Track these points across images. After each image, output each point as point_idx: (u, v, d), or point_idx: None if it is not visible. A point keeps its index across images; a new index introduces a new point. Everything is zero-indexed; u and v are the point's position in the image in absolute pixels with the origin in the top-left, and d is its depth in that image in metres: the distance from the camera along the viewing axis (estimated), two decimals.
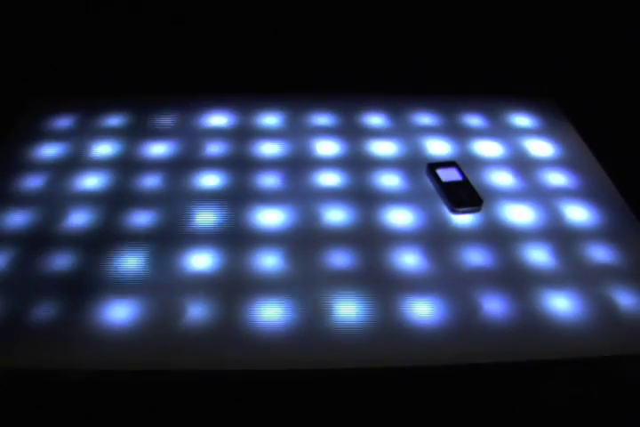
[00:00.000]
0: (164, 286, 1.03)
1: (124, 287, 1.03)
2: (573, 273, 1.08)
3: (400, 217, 1.18)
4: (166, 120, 1.42)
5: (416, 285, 1.05)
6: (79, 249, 1.09)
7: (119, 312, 0.99)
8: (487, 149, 1.37)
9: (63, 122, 1.41)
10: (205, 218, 1.16)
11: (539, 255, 1.11)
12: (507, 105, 1.51)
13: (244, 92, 1.54)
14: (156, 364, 0.95)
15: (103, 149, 1.33)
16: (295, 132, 1.40)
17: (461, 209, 1.19)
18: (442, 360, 0.96)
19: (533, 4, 1.70)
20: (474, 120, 1.46)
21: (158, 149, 1.33)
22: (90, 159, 1.30)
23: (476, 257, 1.10)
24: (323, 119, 1.44)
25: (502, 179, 1.29)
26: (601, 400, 1.22)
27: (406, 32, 1.76)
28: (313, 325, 0.98)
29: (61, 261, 1.07)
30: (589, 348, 0.98)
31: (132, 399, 1.22)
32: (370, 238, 1.13)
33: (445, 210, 1.20)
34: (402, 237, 1.14)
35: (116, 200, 1.20)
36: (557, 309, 1.02)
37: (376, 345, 0.97)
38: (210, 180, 1.25)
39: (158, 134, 1.37)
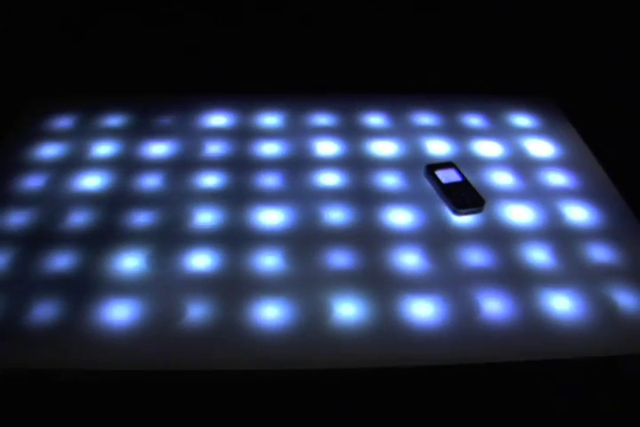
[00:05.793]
0: (164, 286, 1.03)
1: (124, 287, 1.03)
2: (573, 273, 1.08)
3: (400, 217, 1.18)
4: (167, 120, 1.42)
5: (416, 285, 1.05)
6: (79, 249, 1.09)
7: (119, 312, 0.99)
8: (487, 149, 1.37)
9: (63, 122, 1.41)
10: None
11: (539, 255, 1.11)
12: (507, 105, 1.51)
13: (244, 92, 1.54)
14: (156, 364, 0.95)
15: (103, 149, 1.33)
16: (295, 132, 1.39)
17: (464, 210, 1.19)
18: (442, 360, 0.96)
19: (533, 4, 1.71)
20: (474, 120, 1.46)
21: (158, 149, 1.33)
22: (90, 159, 1.30)
23: (475, 257, 1.10)
24: (323, 119, 1.44)
25: (502, 179, 1.29)
26: (601, 400, 1.22)
27: (406, 32, 1.76)
28: (313, 325, 0.98)
29: (61, 261, 1.07)
30: (589, 348, 0.98)
31: (132, 399, 1.22)
32: (370, 238, 1.13)
33: (445, 210, 1.20)
34: (402, 237, 1.13)
35: (116, 200, 1.20)
36: (557, 309, 1.02)
37: (376, 345, 0.96)
38: (210, 180, 1.25)
39: (158, 134, 1.38)
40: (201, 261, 1.08)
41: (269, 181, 1.26)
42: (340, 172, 1.28)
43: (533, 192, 1.25)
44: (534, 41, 1.74)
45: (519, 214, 1.20)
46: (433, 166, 1.28)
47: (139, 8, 1.68)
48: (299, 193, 1.23)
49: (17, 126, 1.40)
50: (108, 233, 1.13)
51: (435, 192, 1.24)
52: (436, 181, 1.24)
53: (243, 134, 1.39)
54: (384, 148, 1.36)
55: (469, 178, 1.26)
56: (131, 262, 1.07)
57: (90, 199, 1.20)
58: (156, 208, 1.18)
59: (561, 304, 1.03)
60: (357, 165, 1.31)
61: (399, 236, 1.14)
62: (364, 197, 1.22)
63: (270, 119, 1.44)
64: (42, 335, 0.96)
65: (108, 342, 0.95)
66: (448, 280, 1.06)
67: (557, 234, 1.16)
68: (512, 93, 1.56)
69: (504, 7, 1.70)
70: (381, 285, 1.05)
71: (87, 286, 1.03)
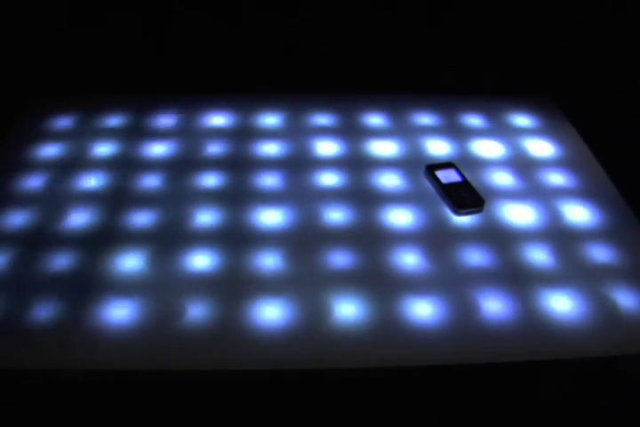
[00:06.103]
0: (164, 286, 1.03)
1: (124, 287, 1.03)
2: (573, 273, 1.08)
3: (400, 217, 1.18)
4: (167, 120, 1.42)
5: (416, 285, 1.05)
6: (79, 249, 1.09)
7: (119, 312, 0.99)
8: (487, 149, 1.37)
9: (63, 122, 1.41)
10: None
11: (539, 255, 1.11)
12: (507, 105, 1.51)
13: (244, 92, 1.54)
14: (156, 364, 0.95)
15: (103, 149, 1.33)
16: (295, 132, 1.39)
17: (464, 210, 1.19)
18: (442, 360, 0.96)
19: (533, 5, 1.70)
20: (474, 120, 1.46)
21: (158, 149, 1.33)
22: (90, 159, 1.30)
23: (475, 257, 1.10)
24: (323, 119, 1.44)
25: (502, 179, 1.29)
26: (601, 400, 1.22)
27: (406, 32, 1.76)
28: (313, 325, 0.98)
29: (61, 261, 1.07)
30: (589, 348, 0.98)
31: (132, 399, 1.22)
32: (370, 238, 1.13)
33: (445, 210, 1.20)
34: (402, 237, 1.13)
35: (116, 200, 1.20)
36: (557, 309, 1.02)
37: (376, 345, 0.96)
38: (210, 180, 1.25)
39: (158, 134, 1.38)
40: (201, 261, 1.08)
41: (269, 181, 1.26)
42: (340, 172, 1.28)
43: (533, 192, 1.25)
44: (534, 41, 1.74)
45: (519, 214, 1.20)
46: (433, 166, 1.27)
47: (139, 8, 1.68)
48: (298, 193, 1.23)
49: (17, 126, 1.40)
50: (108, 233, 1.13)
51: (435, 192, 1.24)
52: (436, 181, 1.24)
53: (243, 134, 1.39)
54: (384, 148, 1.36)
55: (469, 178, 1.26)
56: (131, 262, 1.07)
57: (90, 199, 1.20)
58: (156, 208, 1.18)
59: (561, 304, 1.03)
60: (357, 165, 1.31)
61: (399, 236, 1.14)
62: (363, 197, 1.22)
63: (270, 119, 1.44)
64: (42, 335, 0.96)
65: (108, 342, 0.95)
66: (448, 280, 1.06)
67: (557, 234, 1.16)
68: (512, 93, 1.56)
69: (504, 7, 1.70)
70: (381, 285, 1.05)
71: (87, 286, 1.03)
